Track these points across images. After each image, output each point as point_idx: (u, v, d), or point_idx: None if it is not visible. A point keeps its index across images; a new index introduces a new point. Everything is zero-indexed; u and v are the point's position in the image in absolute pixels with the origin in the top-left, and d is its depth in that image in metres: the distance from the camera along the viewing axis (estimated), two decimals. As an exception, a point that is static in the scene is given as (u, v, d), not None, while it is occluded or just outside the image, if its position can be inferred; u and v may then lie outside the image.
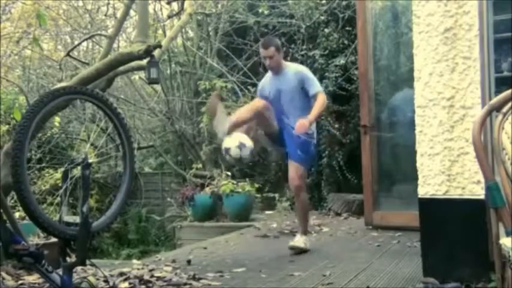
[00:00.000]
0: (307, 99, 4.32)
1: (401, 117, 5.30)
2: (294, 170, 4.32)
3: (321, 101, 4.24)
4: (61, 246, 2.48)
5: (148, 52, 3.93)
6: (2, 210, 2.70)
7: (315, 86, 4.32)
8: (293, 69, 4.45)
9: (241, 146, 4.02)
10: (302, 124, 4.11)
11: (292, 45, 7.49)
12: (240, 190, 6.58)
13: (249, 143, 4.05)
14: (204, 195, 6.80)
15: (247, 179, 6.97)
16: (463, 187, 3.00)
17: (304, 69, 4.52)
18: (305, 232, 4.46)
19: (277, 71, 4.41)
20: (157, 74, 4.32)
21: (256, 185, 7.03)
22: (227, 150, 4.04)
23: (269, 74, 4.53)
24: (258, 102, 4.39)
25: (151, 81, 4.51)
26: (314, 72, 7.14)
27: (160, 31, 7.91)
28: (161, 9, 8.11)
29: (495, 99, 2.06)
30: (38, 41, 6.44)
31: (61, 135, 8.60)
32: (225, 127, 4.09)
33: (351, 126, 6.94)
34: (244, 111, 4.36)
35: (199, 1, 7.18)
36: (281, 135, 4.37)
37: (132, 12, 6.42)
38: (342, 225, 5.71)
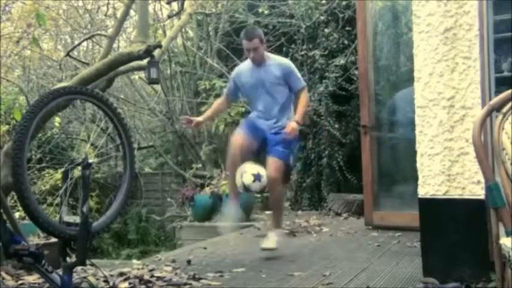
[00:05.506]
0: (286, 91, 4.26)
1: (401, 117, 5.30)
2: (273, 164, 4.16)
3: (305, 99, 4.27)
4: (61, 246, 2.48)
5: (148, 52, 3.93)
6: (2, 210, 2.70)
7: (300, 81, 4.29)
8: (277, 61, 4.33)
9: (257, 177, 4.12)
10: (293, 128, 4.11)
11: (292, 45, 7.49)
12: (239, 190, 6.56)
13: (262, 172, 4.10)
14: (204, 195, 6.80)
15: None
16: (463, 187, 2.99)
17: (290, 63, 4.41)
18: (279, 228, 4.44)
19: (260, 63, 4.27)
20: (158, 74, 4.32)
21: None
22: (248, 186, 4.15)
23: (248, 63, 4.34)
24: (237, 141, 4.23)
25: (151, 81, 4.51)
26: (314, 72, 7.19)
27: (160, 31, 7.91)
28: (161, 9, 8.13)
29: (495, 99, 2.06)
30: (38, 41, 6.44)
31: (61, 136, 8.62)
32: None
33: (351, 126, 6.94)
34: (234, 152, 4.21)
35: (199, 1, 7.18)
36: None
37: (132, 12, 6.43)
38: (342, 225, 5.70)
